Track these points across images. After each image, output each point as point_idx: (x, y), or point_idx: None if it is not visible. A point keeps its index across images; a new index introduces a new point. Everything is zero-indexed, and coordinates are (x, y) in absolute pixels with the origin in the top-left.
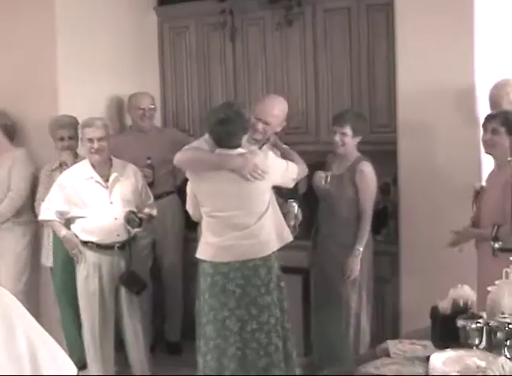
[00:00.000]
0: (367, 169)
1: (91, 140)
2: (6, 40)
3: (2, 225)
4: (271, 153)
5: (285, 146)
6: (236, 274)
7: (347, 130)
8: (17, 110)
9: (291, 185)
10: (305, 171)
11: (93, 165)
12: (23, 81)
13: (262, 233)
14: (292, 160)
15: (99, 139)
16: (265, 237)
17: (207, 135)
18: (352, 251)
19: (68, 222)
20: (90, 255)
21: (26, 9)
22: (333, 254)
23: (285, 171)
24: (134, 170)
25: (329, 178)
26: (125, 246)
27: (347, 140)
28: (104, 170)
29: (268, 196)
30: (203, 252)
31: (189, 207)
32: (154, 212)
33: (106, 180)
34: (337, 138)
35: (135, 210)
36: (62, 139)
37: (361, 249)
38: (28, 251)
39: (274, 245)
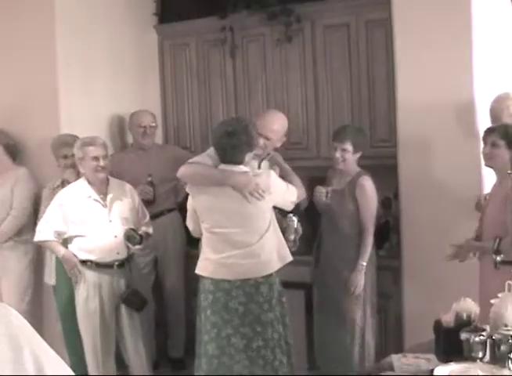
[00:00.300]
0: (367, 183)
1: (96, 158)
2: (7, 59)
3: (4, 243)
4: (273, 174)
5: (287, 167)
6: (238, 291)
7: (348, 146)
8: (19, 129)
9: (290, 207)
10: (304, 194)
11: (91, 184)
12: (25, 100)
13: (263, 253)
14: (292, 181)
15: (104, 157)
16: (267, 257)
17: (210, 150)
18: (356, 265)
19: (65, 242)
20: (89, 275)
21: (27, 27)
22: (335, 269)
23: (285, 193)
24: (130, 188)
25: (329, 194)
26: (124, 264)
27: (348, 156)
28: (101, 189)
29: (269, 215)
30: (203, 268)
31: (189, 222)
32: (150, 230)
33: (104, 199)
34: (338, 154)
35: (134, 227)
36: (65, 157)
37: (364, 264)
38: (30, 269)
39: (275, 265)
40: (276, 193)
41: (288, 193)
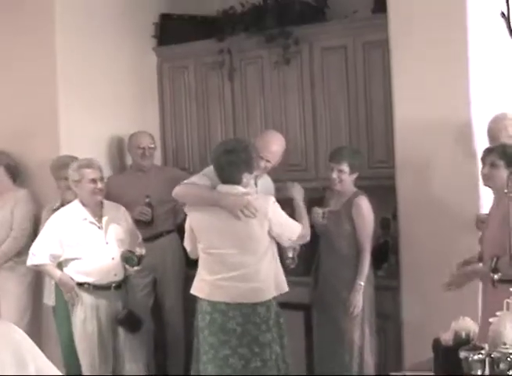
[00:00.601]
0: (364, 203)
1: (94, 181)
2: (7, 80)
3: (4, 264)
4: (273, 200)
5: (301, 204)
6: (235, 312)
7: (345, 167)
8: (19, 150)
9: (286, 243)
10: (307, 237)
11: (85, 206)
12: (25, 122)
13: (260, 278)
14: (299, 219)
15: (101, 179)
16: (263, 283)
17: (207, 170)
18: (354, 285)
19: (59, 266)
20: (86, 297)
21: (27, 49)
22: (334, 289)
23: (285, 225)
24: (124, 210)
25: (326, 214)
26: (121, 285)
27: (345, 177)
28: (96, 211)
29: (267, 242)
30: (199, 289)
31: (186, 243)
32: (144, 251)
33: (99, 221)
34: (335, 175)
35: (130, 249)
36: (66, 178)
37: (362, 283)
38: (30, 290)
39: (271, 292)
40: (274, 220)
41: (288, 227)
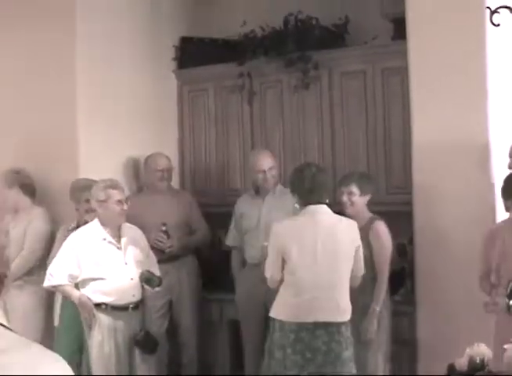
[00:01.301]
0: (381, 228)
1: (120, 202)
2: (29, 102)
3: (13, 282)
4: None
5: None
6: (321, 331)
7: (354, 189)
8: (38, 170)
9: (355, 283)
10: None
11: (104, 226)
12: (44, 143)
13: (344, 298)
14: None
15: (126, 201)
16: (346, 303)
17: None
18: (368, 310)
19: (75, 287)
20: (104, 318)
21: (48, 73)
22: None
23: (360, 260)
24: (140, 232)
25: None
26: (139, 306)
27: (355, 199)
28: (115, 231)
29: (350, 266)
30: (283, 313)
31: (270, 269)
32: (159, 273)
33: (118, 241)
34: (345, 198)
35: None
36: (87, 201)
37: (377, 309)
38: (41, 310)
39: (350, 312)
40: (358, 247)
41: (361, 263)
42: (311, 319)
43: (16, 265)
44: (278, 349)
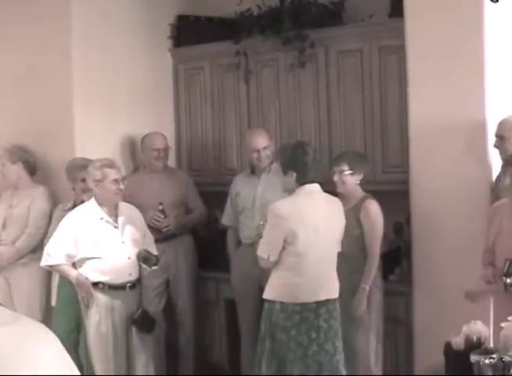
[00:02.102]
0: (372, 207)
1: (116, 181)
2: (26, 81)
3: (18, 261)
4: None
5: None
6: (323, 309)
7: (345, 168)
8: (36, 148)
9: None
10: None
11: (101, 205)
12: (41, 122)
13: (336, 276)
14: None
15: (122, 180)
16: (337, 280)
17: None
18: (358, 289)
19: (73, 267)
20: (101, 298)
21: (44, 51)
22: (341, 293)
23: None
24: (137, 211)
25: None
26: (136, 285)
27: (346, 179)
28: (112, 211)
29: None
30: (286, 294)
31: (268, 251)
32: (156, 252)
33: (115, 221)
34: (336, 177)
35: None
36: (83, 180)
37: (367, 287)
38: (45, 289)
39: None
40: (343, 225)
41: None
42: (315, 298)
43: (21, 242)
44: (281, 332)
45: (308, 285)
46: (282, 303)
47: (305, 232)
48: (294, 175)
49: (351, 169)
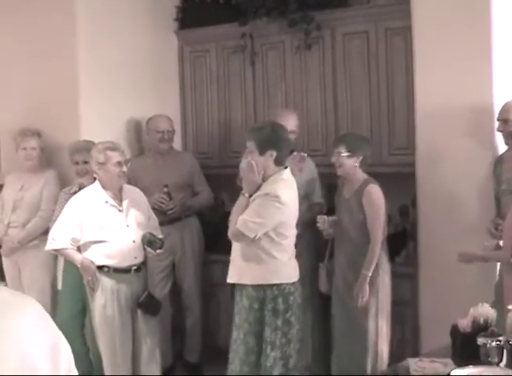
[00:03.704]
0: (374, 192)
1: (119, 164)
2: (30, 64)
3: (30, 243)
4: None
5: None
6: (299, 286)
7: (342, 149)
8: (42, 131)
9: None
10: None
11: (105, 189)
12: (46, 106)
13: None
14: None
15: (125, 163)
16: None
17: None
18: (359, 276)
19: (78, 251)
20: (107, 281)
21: (49, 33)
22: (347, 278)
23: None
24: (141, 194)
25: (326, 223)
26: (141, 268)
27: (344, 160)
28: (116, 194)
29: None
30: (285, 275)
31: (257, 231)
32: (161, 236)
33: (120, 204)
34: (334, 158)
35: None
36: (76, 163)
37: (368, 273)
38: (52, 272)
39: None
40: None
41: None
42: (297, 276)
43: (33, 225)
44: (283, 314)
45: (295, 264)
46: (279, 286)
47: (295, 214)
48: (274, 154)
49: (349, 151)
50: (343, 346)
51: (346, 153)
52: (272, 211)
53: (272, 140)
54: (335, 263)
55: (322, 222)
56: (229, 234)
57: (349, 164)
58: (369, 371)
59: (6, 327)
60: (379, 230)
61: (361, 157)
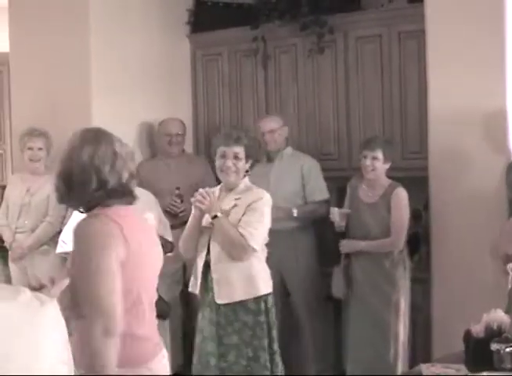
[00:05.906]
0: (403, 195)
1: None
2: (43, 67)
3: (39, 248)
4: None
5: None
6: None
7: (379, 154)
8: (53, 134)
9: None
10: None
11: None
12: (58, 109)
13: None
14: None
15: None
16: None
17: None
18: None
19: None
20: None
21: (62, 38)
22: (372, 280)
23: None
24: (152, 197)
25: (337, 216)
26: None
27: (378, 165)
28: None
29: None
30: (270, 285)
31: (260, 242)
32: (171, 238)
33: None
34: (368, 162)
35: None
36: None
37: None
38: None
39: None
40: None
41: None
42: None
43: (42, 231)
44: (270, 328)
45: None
46: (269, 295)
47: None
48: (250, 162)
49: (385, 156)
50: (363, 351)
51: (382, 159)
52: (266, 218)
53: (256, 149)
54: (355, 268)
55: (335, 214)
56: (241, 255)
57: (383, 168)
58: (399, 372)
59: (27, 327)
60: (403, 230)
61: (390, 163)
